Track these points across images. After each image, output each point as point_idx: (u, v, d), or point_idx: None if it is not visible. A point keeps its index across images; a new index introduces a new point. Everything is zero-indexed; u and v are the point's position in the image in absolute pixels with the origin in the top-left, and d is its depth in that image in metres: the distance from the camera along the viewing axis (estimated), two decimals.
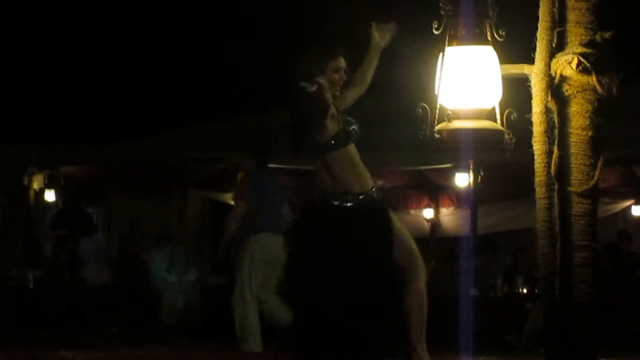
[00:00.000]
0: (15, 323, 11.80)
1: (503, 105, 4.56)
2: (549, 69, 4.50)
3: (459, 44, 4.48)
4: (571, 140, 4.49)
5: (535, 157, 4.58)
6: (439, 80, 4.49)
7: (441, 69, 4.50)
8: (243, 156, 9.59)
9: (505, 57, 4.56)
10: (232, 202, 9.65)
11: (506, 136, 4.52)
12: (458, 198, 15.08)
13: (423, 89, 4.67)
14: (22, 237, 13.88)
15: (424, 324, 5.16)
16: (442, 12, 4.49)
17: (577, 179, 4.49)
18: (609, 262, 11.38)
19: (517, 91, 4.65)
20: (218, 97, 17.82)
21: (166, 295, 12.59)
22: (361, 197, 5.07)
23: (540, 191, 4.58)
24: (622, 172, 13.86)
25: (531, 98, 4.59)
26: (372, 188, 5.14)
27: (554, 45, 4.51)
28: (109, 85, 18.82)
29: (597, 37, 4.44)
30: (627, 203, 14.60)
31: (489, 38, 4.50)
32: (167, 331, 12.02)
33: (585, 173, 4.48)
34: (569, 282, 4.47)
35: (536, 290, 11.12)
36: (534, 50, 4.58)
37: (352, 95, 5.28)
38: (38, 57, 18.75)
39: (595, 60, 4.39)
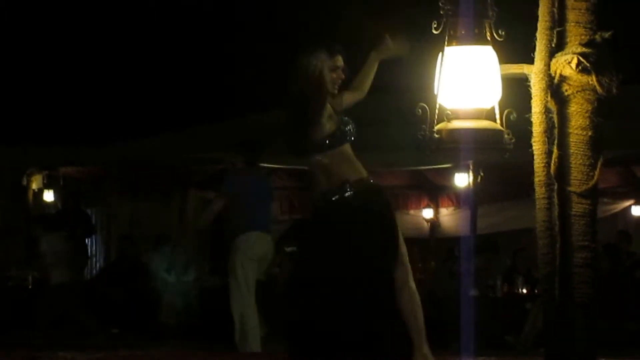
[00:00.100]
0: (14, 324, 11.79)
1: (502, 105, 4.55)
2: (549, 69, 4.50)
3: (458, 43, 4.47)
4: (571, 140, 4.48)
5: (535, 157, 4.57)
6: (439, 80, 4.49)
7: (440, 69, 4.49)
8: (234, 155, 9.62)
9: (505, 57, 4.56)
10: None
11: (506, 136, 4.51)
12: (457, 198, 15.10)
13: (422, 89, 4.66)
14: (22, 237, 13.88)
15: (423, 324, 5.15)
16: (441, 12, 4.49)
17: (577, 179, 4.48)
18: (608, 263, 11.38)
19: (516, 91, 4.64)
20: (218, 98, 17.83)
21: (165, 296, 12.58)
22: (358, 184, 5.08)
23: (539, 191, 4.57)
24: (621, 172, 13.88)
25: (530, 98, 4.59)
26: (367, 176, 5.16)
27: (553, 45, 4.51)
28: (108, 86, 18.83)
29: (597, 37, 4.44)
30: (627, 203, 14.62)
31: (489, 38, 4.49)
32: (166, 331, 12.01)
33: (585, 173, 4.48)
34: (568, 282, 4.47)
35: (536, 291, 11.13)
36: (534, 50, 4.57)
37: (350, 99, 5.29)
38: (38, 58, 18.76)
39: (595, 60, 4.39)
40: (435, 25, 4.49)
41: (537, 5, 4.57)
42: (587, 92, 4.46)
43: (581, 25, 4.48)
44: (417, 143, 4.50)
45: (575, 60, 4.39)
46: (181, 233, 14.03)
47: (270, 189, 9.60)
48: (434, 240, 15.36)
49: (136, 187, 14.65)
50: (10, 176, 14.32)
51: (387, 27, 5.33)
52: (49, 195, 14.48)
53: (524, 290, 11.83)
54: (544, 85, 4.52)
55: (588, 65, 4.39)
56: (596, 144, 4.48)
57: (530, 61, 4.59)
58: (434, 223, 15.50)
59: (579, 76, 4.43)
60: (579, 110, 4.47)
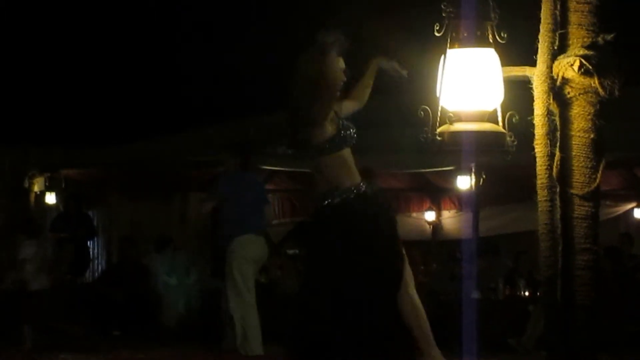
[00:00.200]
0: (14, 325, 11.77)
1: (505, 107, 4.54)
2: (551, 71, 4.49)
3: (460, 46, 4.47)
4: (573, 142, 4.47)
5: (537, 159, 4.56)
6: (441, 83, 4.48)
7: (443, 71, 4.48)
8: (227, 158, 9.65)
9: (507, 59, 4.55)
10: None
11: (508, 138, 4.50)
12: (460, 201, 15.10)
13: (424, 91, 4.65)
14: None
15: (428, 330, 5.13)
16: (443, 15, 4.48)
17: (579, 182, 4.47)
18: (610, 265, 11.37)
19: (518, 93, 4.63)
20: (218, 100, 17.82)
21: (167, 298, 12.58)
22: (348, 191, 5.07)
23: (541, 194, 4.56)
24: (624, 175, 13.87)
25: (533, 100, 4.58)
26: (360, 183, 5.15)
27: (555, 48, 4.50)
28: (110, 88, 18.83)
29: (599, 39, 4.43)
30: (629, 206, 14.61)
31: (491, 40, 4.48)
32: (167, 334, 12.01)
33: (587, 176, 4.47)
34: (570, 284, 4.46)
35: (538, 293, 11.11)
36: (536, 52, 4.56)
37: (350, 107, 5.31)
38: (39, 60, 18.76)
39: (597, 63, 4.38)
40: (437, 28, 4.49)
41: (539, 8, 4.56)
42: (590, 94, 4.45)
43: (583, 27, 4.47)
44: (419, 145, 4.49)
45: (577, 63, 4.39)
46: (182, 235, 14.05)
47: (264, 192, 9.62)
48: (435, 243, 15.35)
49: (137, 189, 14.65)
50: (11, 178, 14.31)
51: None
52: (50, 198, 14.47)
53: (526, 293, 11.82)
54: (546, 88, 4.51)
55: (590, 67, 4.38)
56: (598, 146, 4.47)
57: (533, 63, 4.58)
58: (436, 225, 15.50)
59: (581, 79, 4.43)
60: (581, 112, 4.47)
